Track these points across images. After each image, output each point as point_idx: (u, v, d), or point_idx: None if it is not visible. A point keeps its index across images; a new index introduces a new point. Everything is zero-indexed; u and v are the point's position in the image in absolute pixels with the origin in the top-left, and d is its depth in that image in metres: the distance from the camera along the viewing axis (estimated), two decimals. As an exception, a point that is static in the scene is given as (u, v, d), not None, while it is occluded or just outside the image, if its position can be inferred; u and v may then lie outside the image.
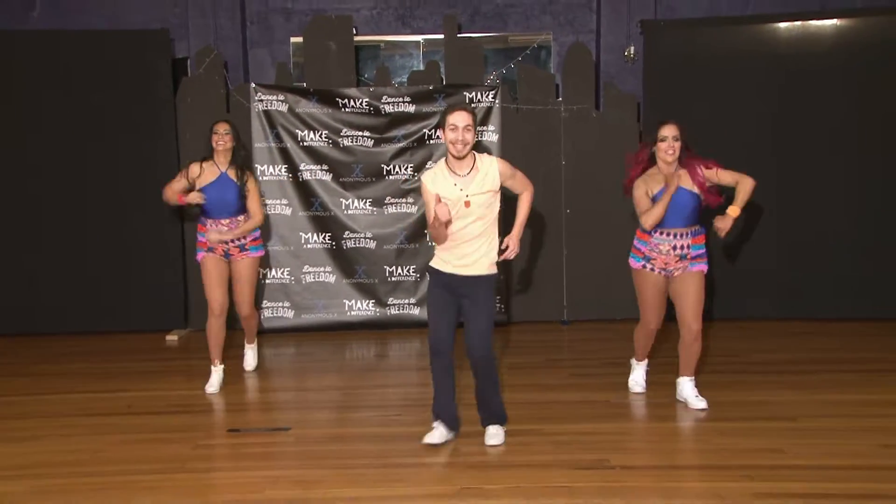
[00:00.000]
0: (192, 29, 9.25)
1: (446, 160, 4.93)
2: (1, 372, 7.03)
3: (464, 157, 4.88)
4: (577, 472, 4.56)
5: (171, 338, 8.05)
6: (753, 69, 8.03)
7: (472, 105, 7.99)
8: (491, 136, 8.11)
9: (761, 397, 5.80)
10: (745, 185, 5.50)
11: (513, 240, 5.02)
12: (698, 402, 5.59)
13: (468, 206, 4.88)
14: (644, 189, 5.51)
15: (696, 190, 5.46)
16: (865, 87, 7.92)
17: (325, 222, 8.17)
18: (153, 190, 8.07)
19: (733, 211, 5.43)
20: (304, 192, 8.14)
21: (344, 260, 8.20)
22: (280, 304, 8.18)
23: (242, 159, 6.27)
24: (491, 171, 4.94)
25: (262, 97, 8.08)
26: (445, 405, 5.09)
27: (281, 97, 8.10)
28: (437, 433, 5.06)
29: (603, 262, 8.19)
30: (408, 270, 8.20)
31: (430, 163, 8.08)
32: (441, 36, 8.59)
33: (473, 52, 8.39)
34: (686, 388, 5.68)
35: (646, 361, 6.05)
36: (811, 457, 4.71)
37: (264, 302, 8.15)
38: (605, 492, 4.30)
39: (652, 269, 5.56)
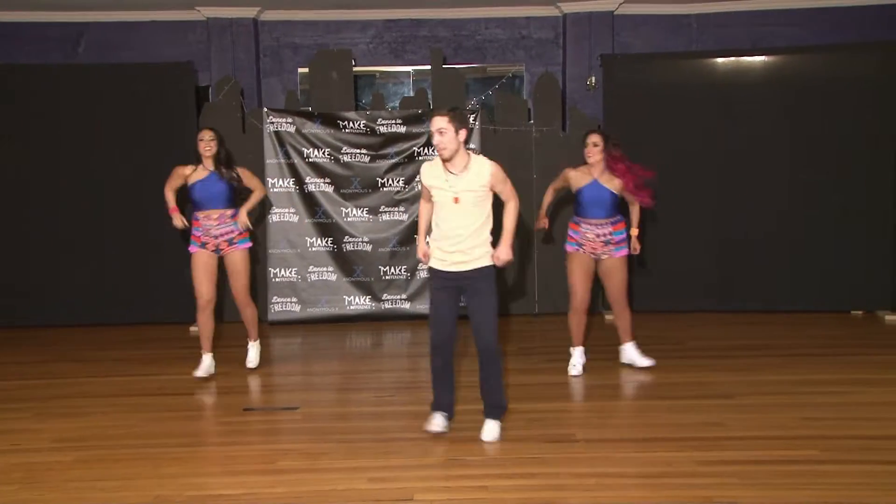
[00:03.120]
0: (214, 61, 9.23)
1: None
2: (53, 357, 7.02)
3: (449, 159, 4.51)
4: (547, 445, 4.60)
5: (195, 328, 8.01)
6: (695, 96, 8.10)
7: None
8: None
9: (702, 379, 5.85)
10: (635, 211, 6.06)
11: (502, 250, 4.57)
12: (644, 361, 6.12)
13: (457, 202, 4.51)
14: (568, 176, 6.05)
15: (612, 188, 5.88)
16: (787, 110, 8.00)
17: (328, 228, 8.18)
18: (178, 200, 8.11)
19: (634, 232, 6.03)
20: (310, 202, 8.14)
21: (344, 261, 8.20)
22: (288, 299, 8.18)
23: (225, 159, 6.04)
24: (483, 172, 4.51)
25: (274, 120, 8.09)
26: (446, 401, 4.84)
27: (289, 119, 8.10)
28: (438, 422, 4.81)
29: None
30: (400, 270, 8.22)
31: (418, 176, 8.09)
32: (429, 67, 8.61)
33: (456, 81, 8.41)
34: (630, 351, 6.20)
35: (582, 348, 6.16)
36: (745, 429, 4.78)
37: (274, 297, 8.14)
38: (571, 462, 4.35)
39: (584, 252, 5.97)
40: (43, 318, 8.19)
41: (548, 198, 6.25)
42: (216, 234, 6.04)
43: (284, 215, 8.09)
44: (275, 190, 8.07)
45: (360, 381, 6.19)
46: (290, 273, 8.17)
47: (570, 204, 6.32)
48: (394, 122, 8.14)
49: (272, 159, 8.08)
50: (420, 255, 4.80)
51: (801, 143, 8.01)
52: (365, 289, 8.22)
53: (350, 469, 4.31)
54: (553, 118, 8.32)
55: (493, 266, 4.63)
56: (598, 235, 5.94)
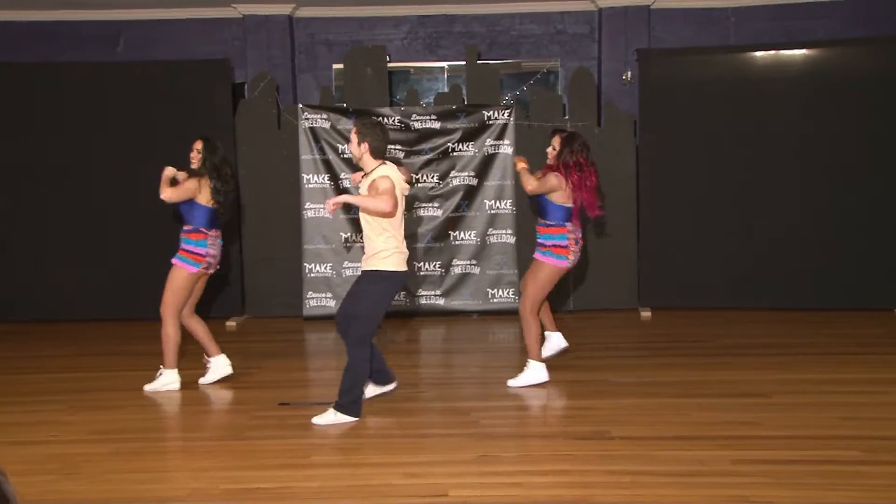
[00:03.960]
0: (250, 58, 9.31)
1: None
2: (84, 352, 7.13)
3: (356, 163, 5.15)
4: (580, 442, 4.58)
5: (231, 324, 8.11)
6: (732, 91, 8.00)
7: (489, 122, 8.07)
8: (506, 149, 8.12)
9: (737, 377, 5.77)
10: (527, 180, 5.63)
11: (333, 199, 4.89)
12: (518, 381, 5.67)
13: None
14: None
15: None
16: (827, 105, 7.86)
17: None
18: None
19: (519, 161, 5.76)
20: (345, 198, 8.17)
21: (378, 256, 8.22)
22: (323, 294, 8.22)
23: (211, 168, 5.74)
24: (373, 178, 4.93)
25: (309, 116, 8.14)
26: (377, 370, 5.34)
27: (324, 116, 8.14)
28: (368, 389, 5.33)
29: (603, 258, 8.19)
30: (434, 266, 8.22)
31: (453, 171, 8.11)
32: (463, 62, 8.60)
33: (491, 77, 8.40)
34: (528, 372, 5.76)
35: (553, 333, 6.13)
36: (781, 428, 4.70)
37: (309, 293, 8.19)
38: (603, 459, 4.32)
39: None
40: (73, 313, 8.33)
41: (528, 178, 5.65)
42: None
43: (319, 211, 8.14)
44: (310, 186, 8.13)
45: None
46: (325, 268, 8.22)
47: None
48: (428, 117, 8.15)
49: (307, 155, 8.13)
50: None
51: (841, 138, 7.87)
52: (399, 284, 8.23)
53: (384, 464, 4.32)
54: (588, 114, 8.26)
55: (375, 273, 4.98)
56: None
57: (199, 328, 6.10)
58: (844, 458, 4.25)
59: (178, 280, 5.80)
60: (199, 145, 5.83)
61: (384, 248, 4.95)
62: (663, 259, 8.18)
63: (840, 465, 4.16)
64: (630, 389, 5.60)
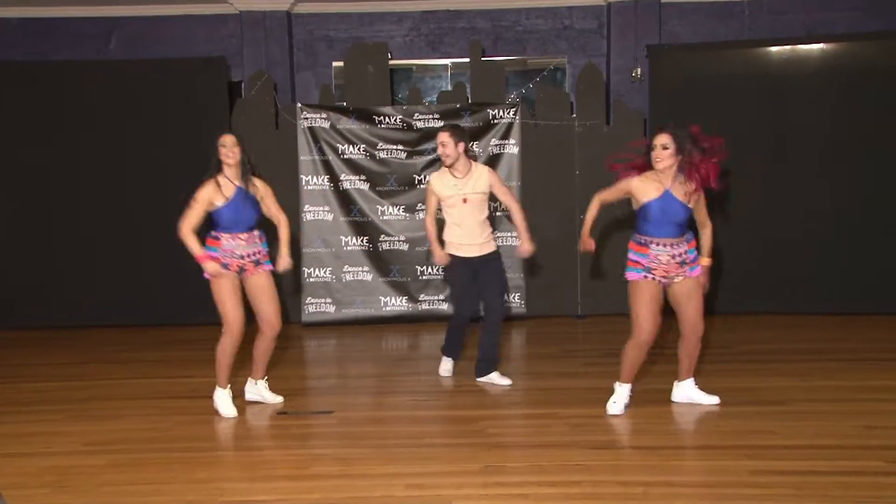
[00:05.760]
0: (247, 56, 9.30)
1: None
2: (84, 359, 7.14)
3: (451, 165, 5.63)
4: (592, 452, 4.54)
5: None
6: (747, 88, 7.98)
7: (494, 121, 8.04)
8: (512, 148, 8.10)
9: (754, 384, 5.74)
10: (707, 235, 5.18)
11: (525, 244, 5.72)
12: (710, 399, 5.32)
13: (465, 202, 5.66)
14: (628, 188, 5.04)
15: (686, 202, 4.96)
16: (846, 102, 7.84)
17: (363, 227, 8.20)
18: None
19: (706, 262, 5.14)
20: (345, 200, 8.17)
21: (380, 260, 8.22)
22: (322, 300, 8.21)
23: (251, 169, 5.36)
24: (482, 178, 5.69)
25: (308, 115, 8.13)
26: (458, 348, 6.15)
27: (324, 115, 8.14)
28: (449, 367, 6.19)
29: (613, 261, 8.15)
30: (437, 270, 8.19)
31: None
32: (467, 59, 8.60)
33: (496, 74, 8.38)
34: (692, 389, 5.37)
35: (630, 386, 5.30)
36: (802, 437, 4.67)
37: (308, 298, 8.19)
38: (616, 469, 4.29)
39: (653, 279, 5.00)
40: (75, 319, 8.34)
41: (593, 211, 5.20)
42: (242, 253, 5.28)
43: (319, 213, 8.13)
44: (309, 187, 8.11)
45: (396, 384, 6.18)
46: (325, 273, 8.20)
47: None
48: (431, 117, 8.13)
49: (306, 156, 8.12)
50: (439, 261, 5.90)
51: (861, 137, 7.84)
52: (401, 289, 8.22)
53: (386, 475, 4.30)
54: (596, 112, 8.25)
55: (498, 251, 5.90)
56: (672, 256, 4.99)
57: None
58: (868, 468, 4.21)
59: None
60: (232, 139, 5.32)
61: (492, 234, 5.88)
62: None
63: (863, 476, 4.12)
64: (643, 397, 5.56)
